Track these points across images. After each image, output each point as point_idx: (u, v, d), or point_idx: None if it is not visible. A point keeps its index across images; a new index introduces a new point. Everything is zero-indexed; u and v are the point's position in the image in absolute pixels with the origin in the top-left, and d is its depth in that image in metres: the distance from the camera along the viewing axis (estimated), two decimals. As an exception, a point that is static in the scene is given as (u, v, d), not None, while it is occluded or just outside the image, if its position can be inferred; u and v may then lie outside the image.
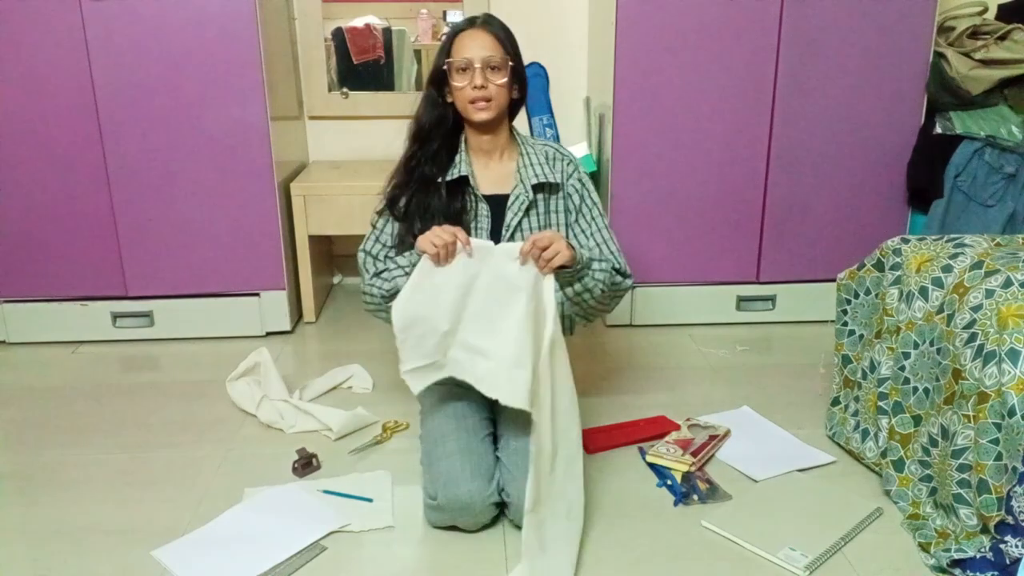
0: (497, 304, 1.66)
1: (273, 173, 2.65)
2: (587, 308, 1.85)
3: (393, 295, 1.71)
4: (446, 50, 1.80)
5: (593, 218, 1.91)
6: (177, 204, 2.64)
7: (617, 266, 1.86)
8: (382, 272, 1.81)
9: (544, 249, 1.61)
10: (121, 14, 2.47)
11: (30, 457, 2.04)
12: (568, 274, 1.70)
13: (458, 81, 1.78)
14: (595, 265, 1.77)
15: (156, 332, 2.77)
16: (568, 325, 1.95)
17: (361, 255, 1.87)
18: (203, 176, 2.63)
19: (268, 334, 2.80)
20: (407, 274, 1.71)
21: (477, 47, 1.76)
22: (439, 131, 1.85)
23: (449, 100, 1.83)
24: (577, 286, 1.76)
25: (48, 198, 2.61)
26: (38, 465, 2.01)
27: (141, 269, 2.70)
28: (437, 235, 1.63)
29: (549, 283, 1.64)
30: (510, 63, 1.79)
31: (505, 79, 1.78)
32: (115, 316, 2.75)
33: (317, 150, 3.20)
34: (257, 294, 2.77)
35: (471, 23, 1.80)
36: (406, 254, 1.78)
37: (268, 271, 2.75)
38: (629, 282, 1.90)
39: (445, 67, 1.79)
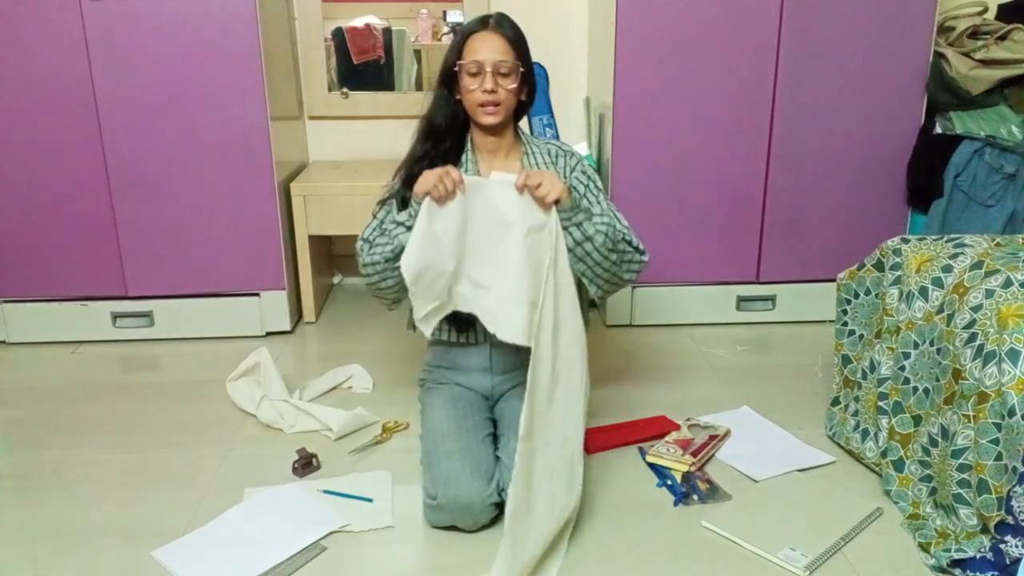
0: (493, 239, 1.69)
1: (273, 173, 2.65)
2: (595, 267, 1.79)
3: (397, 254, 1.71)
4: (458, 50, 1.79)
5: (599, 201, 1.88)
6: (177, 204, 2.64)
7: (628, 239, 1.85)
8: (379, 241, 1.80)
9: (536, 187, 1.62)
10: (121, 14, 2.47)
11: (30, 457, 2.04)
12: (566, 215, 1.68)
13: (468, 83, 1.78)
14: (596, 219, 1.75)
15: (156, 332, 2.77)
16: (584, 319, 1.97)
17: (360, 243, 1.85)
18: (203, 176, 2.63)
19: (268, 334, 2.80)
20: (408, 229, 1.71)
21: (489, 50, 1.76)
22: (452, 130, 1.86)
23: (458, 98, 1.83)
24: (576, 233, 1.71)
25: (48, 198, 2.61)
26: (38, 465, 2.01)
27: (141, 269, 2.70)
28: (434, 173, 1.64)
29: (553, 216, 1.65)
30: (521, 69, 1.79)
31: (515, 84, 1.79)
32: (115, 316, 2.75)
33: (317, 150, 3.20)
34: (257, 294, 2.77)
35: (484, 24, 1.79)
36: (405, 211, 1.77)
37: (268, 271, 2.75)
38: (645, 258, 1.88)
39: (456, 68, 1.79)
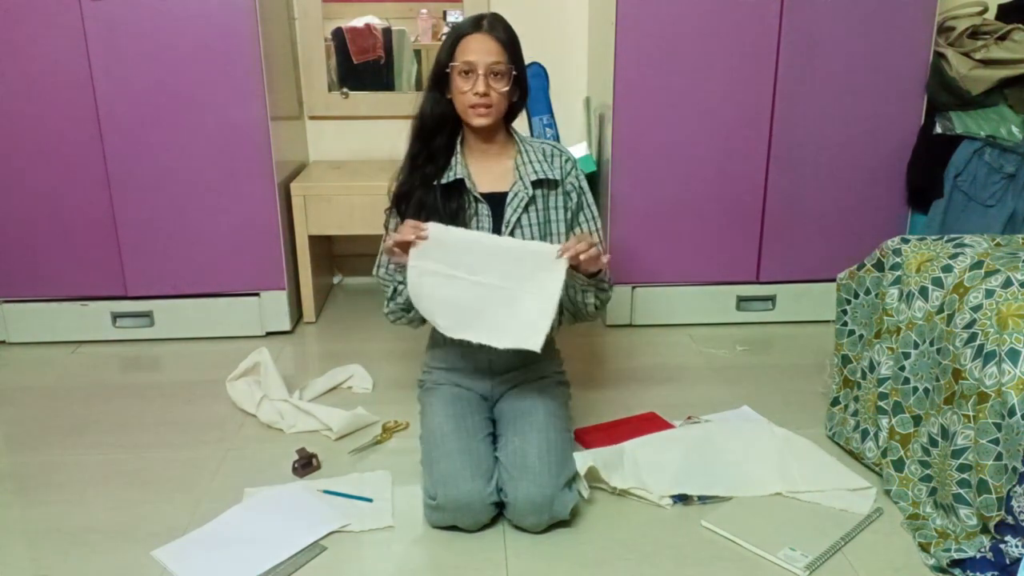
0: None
1: (273, 173, 2.65)
2: (573, 314, 1.89)
3: (409, 304, 1.80)
4: (449, 51, 1.78)
5: (594, 229, 1.94)
6: (177, 204, 2.64)
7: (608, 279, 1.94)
8: (393, 295, 1.88)
9: (582, 252, 1.66)
10: (121, 14, 2.47)
11: (30, 457, 2.04)
12: (589, 283, 1.77)
13: (460, 85, 1.77)
14: (605, 291, 1.85)
15: (156, 332, 2.77)
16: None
17: (375, 268, 1.93)
18: (203, 176, 2.63)
19: (268, 334, 2.80)
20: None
21: (482, 52, 1.75)
22: (442, 129, 1.86)
23: (449, 97, 1.83)
24: (580, 296, 1.81)
25: (48, 198, 2.61)
26: (38, 465, 2.01)
27: (141, 269, 2.70)
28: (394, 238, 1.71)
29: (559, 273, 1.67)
30: (513, 72, 1.78)
31: (507, 87, 1.78)
32: (115, 316, 2.75)
33: (317, 150, 3.20)
34: (257, 294, 2.77)
35: (477, 26, 1.77)
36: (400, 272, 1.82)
37: (268, 271, 2.74)
38: (610, 293, 1.96)
39: (448, 69, 1.78)
